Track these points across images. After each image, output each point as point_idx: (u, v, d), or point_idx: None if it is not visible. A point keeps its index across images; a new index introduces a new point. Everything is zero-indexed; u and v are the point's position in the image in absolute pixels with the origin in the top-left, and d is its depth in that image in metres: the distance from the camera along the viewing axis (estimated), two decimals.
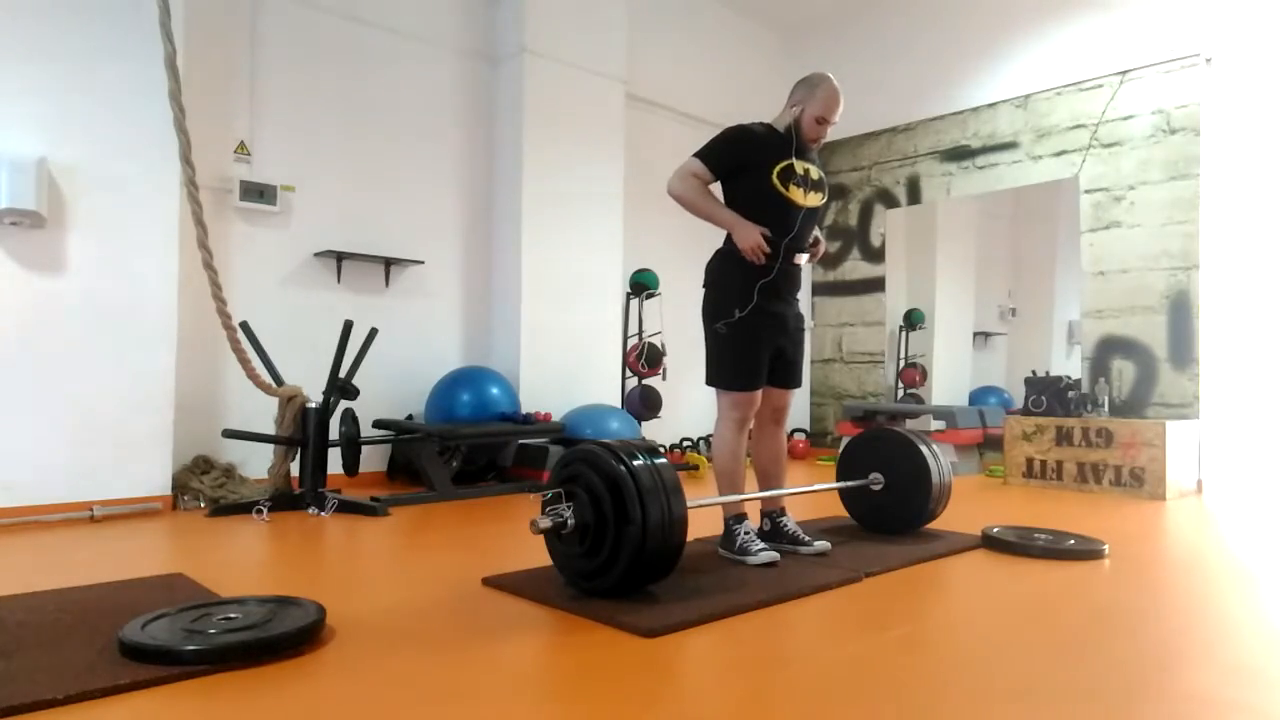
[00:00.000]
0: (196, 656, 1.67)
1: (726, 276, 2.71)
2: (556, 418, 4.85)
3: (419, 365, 4.85)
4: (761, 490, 2.88)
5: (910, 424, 5.53)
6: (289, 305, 4.37)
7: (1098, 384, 5.06)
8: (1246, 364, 4.67)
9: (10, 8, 3.34)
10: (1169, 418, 4.76)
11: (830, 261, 6.70)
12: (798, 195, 2.68)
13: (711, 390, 2.77)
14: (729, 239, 2.71)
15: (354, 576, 2.62)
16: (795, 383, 2.87)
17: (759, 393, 2.74)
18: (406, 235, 4.84)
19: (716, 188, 2.76)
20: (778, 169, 2.65)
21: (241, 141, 4.22)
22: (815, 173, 2.75)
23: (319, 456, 3.74)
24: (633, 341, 5.62)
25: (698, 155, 2.70)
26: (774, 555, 2.62)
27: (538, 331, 5.09)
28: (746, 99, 6.71)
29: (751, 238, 2.60)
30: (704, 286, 2.79)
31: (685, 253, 5.97)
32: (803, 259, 2.79)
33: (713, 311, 2.73)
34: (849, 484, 3.17)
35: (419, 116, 4.92)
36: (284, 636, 1.76)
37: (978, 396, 6.10)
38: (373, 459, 4.67)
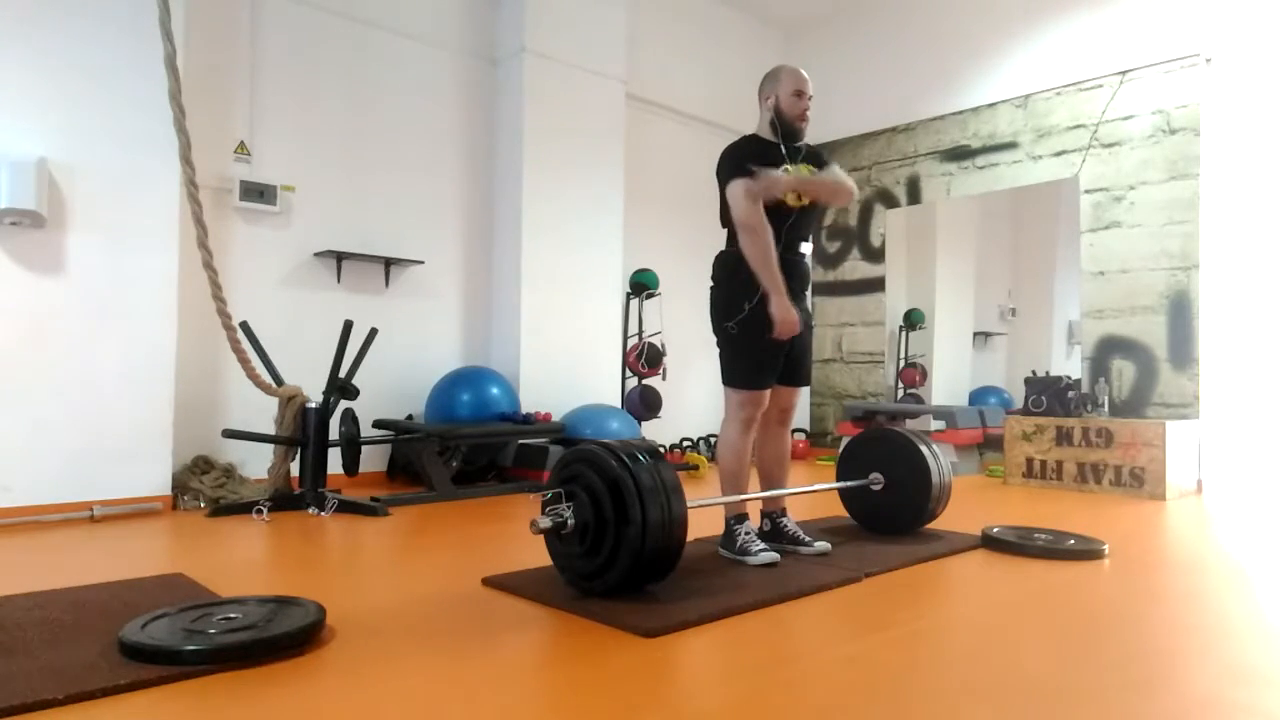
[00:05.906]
0: (196, 656, 1.67)
1: (734, 272, 2.70)
2: (556, 418, 4.85)
3: (419, 365, 4.84)
4: (763, 491, 2.88)
5: (910, 424, 5.52)
6: (289, 305, 4.37)
7: (1098, 384, 5.06)
8: (1246, 364, 4.66)
9: (11, 8, 3.34)
10: (1169, 418, 4.76)
11: (830, 261, 6.70)
12: (791, 199, 2.70)
13: (714, 389, 2.77)
14: (734, 239, 2.71)
15: (354, 576, 2.62)
16: (802, 381, 2.88)
17: (768, 392, 2.74)
18: (406, 235, 4.84)
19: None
20: None
21: (241, 141, 4.22)
22: (807, 170, 2.76)
23: (319, 456, 3.74)
24: (633, 341, 5.62)
25: (735, 177, 2.63)
26: (774, 556, 2.63)
27: (538, 331, 5.09)
28: (746, 99, 6.70)
29: (786, 314, 2.60)
30: (711, 284, 2.80)
31: (685, 253, 5.99)
32: (807, 249, 2.81)
33: (723, 310, 2.74)
34: (849, 484, 3.17)
35: (419, 116, 4.92)
36: (284, 636, 1.76)
37: (978, 396, 6.10)
38: (373, 459, 4.67)
